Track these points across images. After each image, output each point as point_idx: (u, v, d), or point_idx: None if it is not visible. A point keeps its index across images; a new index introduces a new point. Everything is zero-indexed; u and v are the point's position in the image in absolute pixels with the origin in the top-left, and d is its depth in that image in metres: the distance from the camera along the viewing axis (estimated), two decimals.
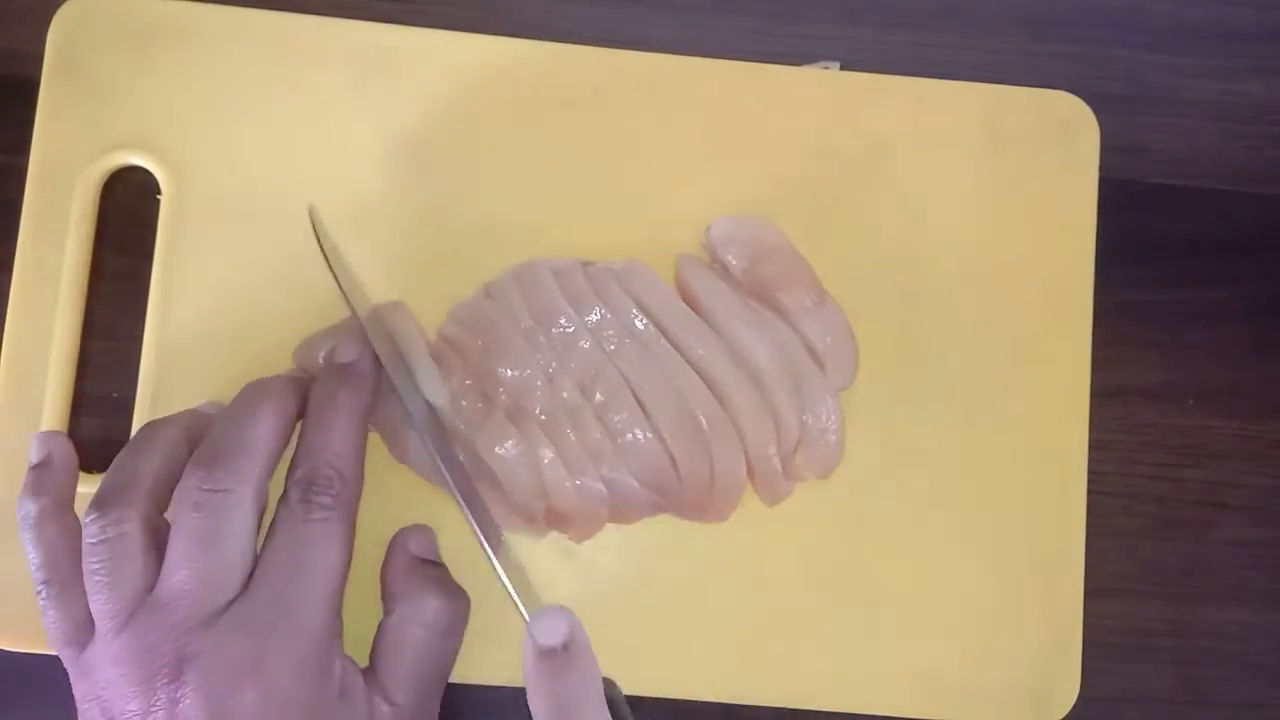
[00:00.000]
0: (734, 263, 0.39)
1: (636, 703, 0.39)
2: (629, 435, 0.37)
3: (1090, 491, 0.40)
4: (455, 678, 0.38)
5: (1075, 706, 0.39)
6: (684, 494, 0.38)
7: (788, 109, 0.41)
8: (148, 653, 0.30)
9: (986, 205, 0.41)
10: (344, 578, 0.33)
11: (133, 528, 0.32)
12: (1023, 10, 0.44)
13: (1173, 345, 0.42)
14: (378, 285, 0.40)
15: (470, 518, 0.35)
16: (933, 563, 0.40)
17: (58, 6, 0.40)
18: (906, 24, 0.43)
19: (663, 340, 0.38)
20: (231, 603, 0.31)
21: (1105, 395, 0.41)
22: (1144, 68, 0.44)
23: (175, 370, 0.39)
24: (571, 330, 0.38)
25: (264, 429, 0.33)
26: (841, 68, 0.42)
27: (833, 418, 0.38)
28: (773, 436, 0.38)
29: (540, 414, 0.38)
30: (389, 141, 0.40)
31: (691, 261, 0.40)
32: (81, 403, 0.39)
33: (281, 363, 0.39)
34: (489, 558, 0.35)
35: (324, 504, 0.33)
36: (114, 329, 0.40)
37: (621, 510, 0.38)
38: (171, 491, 0.33)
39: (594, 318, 0.38)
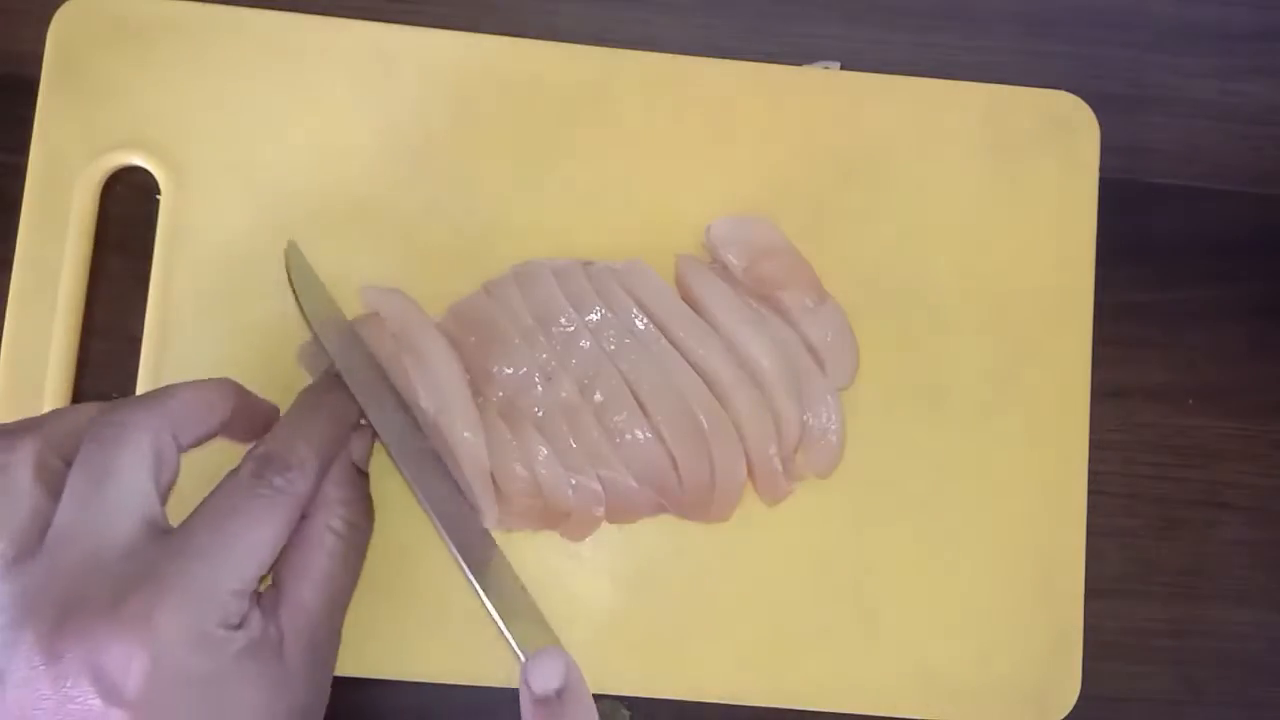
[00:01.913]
0: (734, 262, 0.39)
1: (635, 703, 0.39)
2: (629, 435, 0.37)
3: (1090, 491, 0.40)
4: (446, 678, 0.38)
5: (1075, 706, 0.39)
6: (684, 494, 0.38)
7: (788, 109, 0.41)
8: (29, 599, 0.28)
9: (987, 205, 0.41)
10: (264, 565, 0.31)
11: (19, 459, 0.29)
12: (1023, 10, 0.44)
13: (1173, 345, 0.42)
14: (379, 283, 0.39)
15: (454, 548, 0.35)
16: (933, 562, 0.40)
17: (58, 6, 0.40)
18: (907, 24, 0.43)
19: (663, 340, 0.38)
20: (134, 551, 0.29)
21: (1105, 395, 0.41)
22: (1144, 68, 0.44)
23: (175, 369, 0.39)
24: (571, 330, 0.38)
25: (182, 385, 0.32)
26: (842, 68, 0.42)
27: (833, 417, 0.38)
28: (773, 436, 0.38)
29: (538, 413, 0.38)
30: (389, 141, 0.40)
31: (691, 261, 0.40)
32: (82, 402, 0.39)
33: (283, 363, 0.39)
34: (476, 591, 0.35)
35: (273, 483, 0.31)
36: (114, 329, 0.40)
37: (619, 510, 0.38)
38: (74, 439, 0.30)
39: (594, 317, 0.38)
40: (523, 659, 0.33)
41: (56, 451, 0.30)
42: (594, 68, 0.41)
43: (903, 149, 0.41)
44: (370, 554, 0.38)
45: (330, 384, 0.36)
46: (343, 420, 0.35)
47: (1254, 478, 0.42)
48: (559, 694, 0.32)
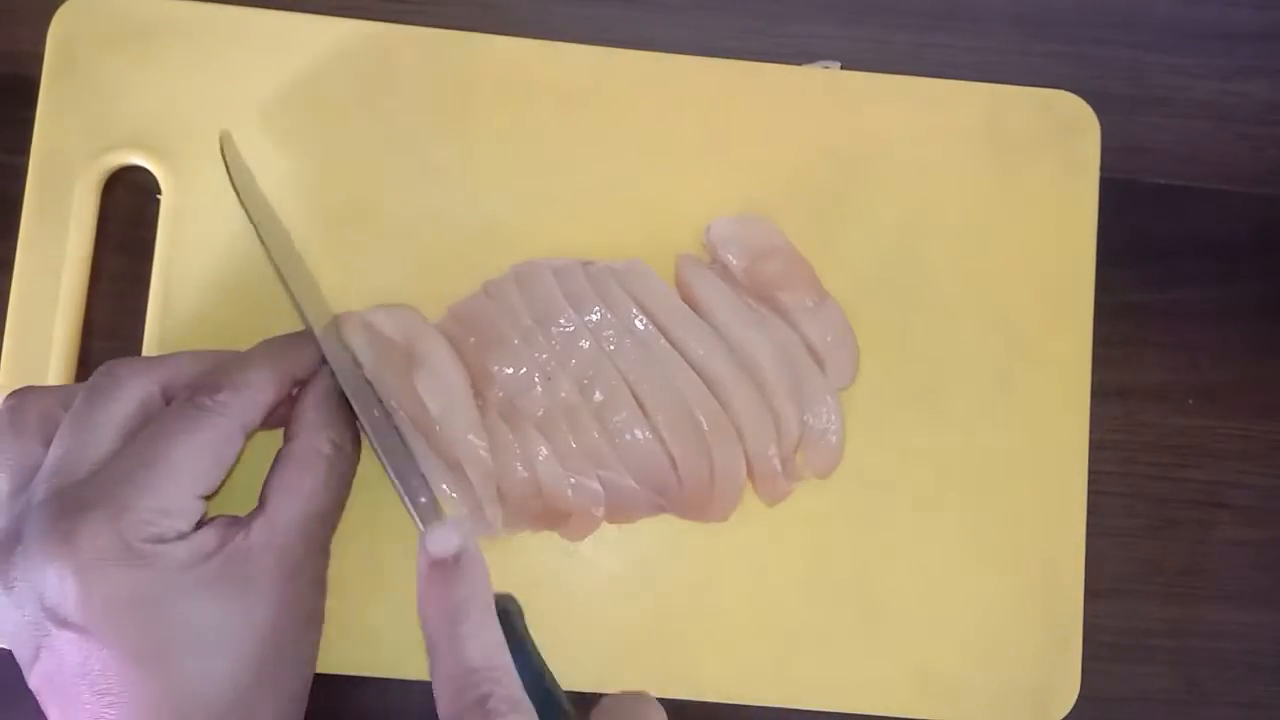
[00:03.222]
0: (734, 262, 0.39)
1: None
2: (628, 435, 0.37)
3: (1090, 491, 0.40)
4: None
5: (1075, 706, 0.39)
6: (684, 494, 0.38)
7: (788, 109, 0.41)
8: (6, 533, 0.30)
9: (987, 205, 0.41)
10: (199, 481, 0.31)
11: (27, 403, 0.32)
12: (1023, 10, 0.44)
13: (1173, 345, 0.42)
14: (378, 284, 0.40)
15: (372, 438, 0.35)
16: (932, 562, 0.40)
17: (58, 6, 0.40)
18: (907, 24, 0.43)
19: (662, 340, 0.38)
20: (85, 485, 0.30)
21: (1105, 395, 0.41)
22: (1144, 68, 0.44)
23: None
24: (571, 330, 0.38)
25: (183, 352, 0.34)
26: (842, 68, 0.42)
27: (833, 418, 0.38)
28: (773, 436, 0.38)
29: (538, 413, 0.38)
30: (389, 141, 0.40)
31: (691, 261, 0.40)
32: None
33: None
34: (387, 471, 0.35)
35: (202, 403, 0.32)
36: (114, 329, 0.40)
37: (619, 510, 0.38)
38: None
39: (594, 317, 0.38)
40: (422, 530, 0.33)
41: (62, 404, 0.32)
42: (593, 68, 0.41)
43: (903, 149, 0.41)
44: (369, 554, 0.38)
45: (286, 337, 0.36)
46: (288, 366, 0.35)
47: (1254, 478, 0.42)
48: (456, 559, 0.32)
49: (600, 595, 0.39)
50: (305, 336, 0.36)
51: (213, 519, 0.33)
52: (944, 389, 0.40)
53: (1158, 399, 0.42)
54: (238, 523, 0.32)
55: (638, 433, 0.37)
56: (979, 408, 0.40)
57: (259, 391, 0.33)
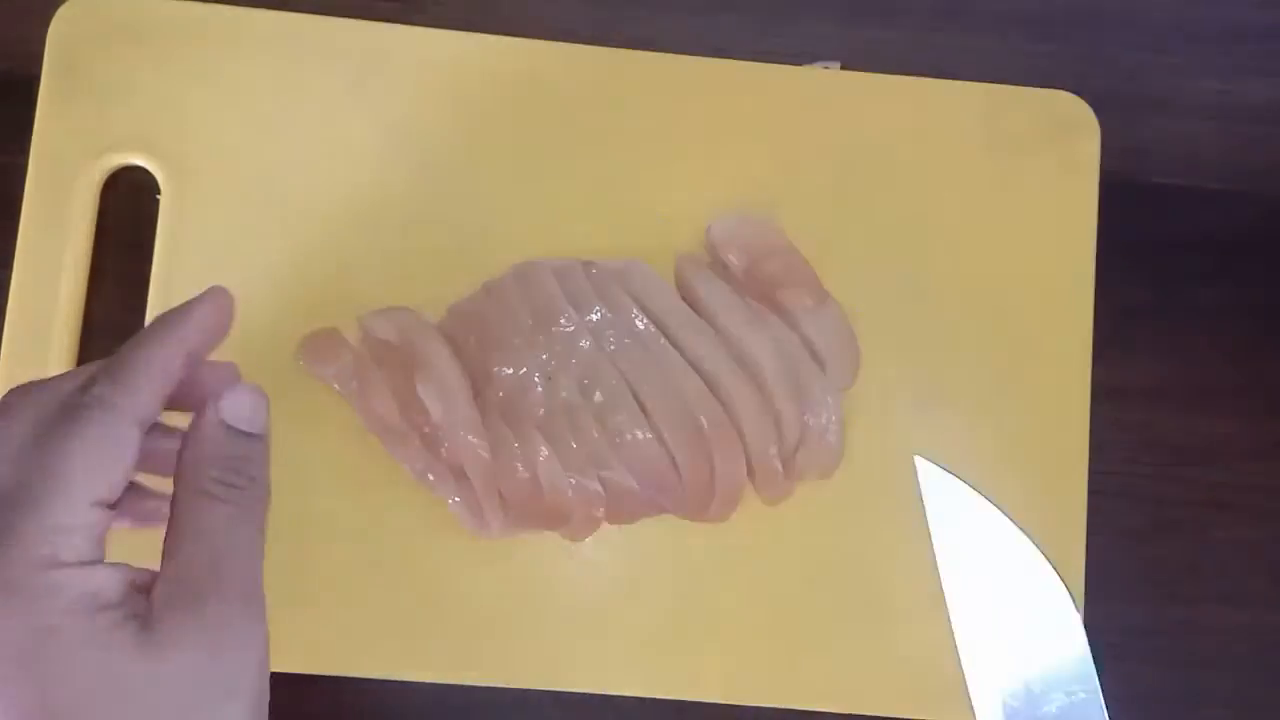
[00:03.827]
0: (734, 262, 0.39)
1: (638, 704, 0.39)
2: (629, 435, 0.37)
3: (1090, 491, 0.40)
4: (439, 678, 0.38)
5: None
6: (685, 494, 0.38)
7: (788, 109, 0.41)
8: None
9: (987, 205, 0.41)
10: (96, 485, 0.27)
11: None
12: (1023, 10, 0.44)
13: (1173, 345, 0.42)
14: (378, 284, 0.40)
15: None
16: (933, 563, 0.40)
17: (58, 6, 0.40)
18: (907, 24, 0.43)
19: (663, 340, 0.38)
20: None
21: (1105, 395, 0.41)
22: (1144, 68, 0.44)
23: None
24: (571, 330, 0.38)
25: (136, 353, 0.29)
26: (841, 68, 0.42)
27: (833, 418, 0.38)
28: (773, 437, 0.38)
29: (539, 413, 0.38)
30: (389, 141, 0.40)
31: (692, 261, 0.40)
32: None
33: (282, 361, 0.39)
34: None
35: (82, 400, 0.27)
36: (114, 329, 0.40)
37: (619, 510, 0.38)
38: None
39: (594, 318, 0.38)
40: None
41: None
42: (593, 67, 0.41)
43: (903, 149, 0.41)
44: (367, 558, 0.38)
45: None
46: (180, 321, 0.30)
47: (1254, 478, 0.42)
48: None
49: (601, 595, 0.39)
50: (194, 306, 0.31)
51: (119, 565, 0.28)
52: (944, 388, 0.40)
53: (1158, 399, 0.42)
54: (145, 572, 0.28)
55: (638, 433, 0.37)
56: (979, 407, 0.40)
57: (144, 377, 0.29)
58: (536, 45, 0.41)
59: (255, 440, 0.31)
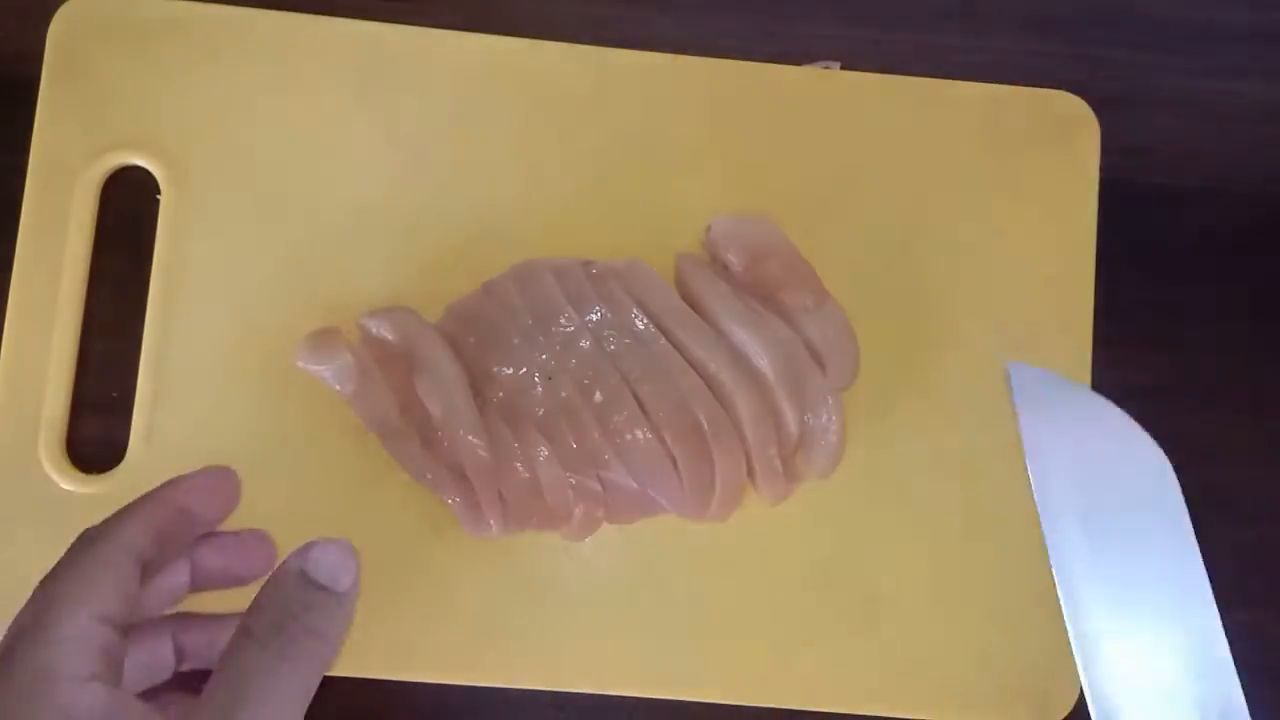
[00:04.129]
0: (734, 262, 0.39)
1: (638, 704, 0.39)
2: (629, 436, 0.37)
3: None
4: (439, 678, 0.38)
5: (1075, 706, 0.39)
6: (685, 494, 0.38)
7: (788, 109, 0.41)
8: None
9: (986, 205, 0.41)
10: (96, 604, 0.29)
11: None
12: (1023, 10, 0.44)
13: (1173, 345, 0.42)
14: (378, 284, 0.40)
15: None
16: (933, 563, 0.40)
17: (58, 5, 0.40)
18: (907, 24, 0.43)
19: (663, 340, 0.38)
20: None
21: (1105, 395, 0.41)
22: (1144, 68, 0.44)
23: (177, 369, 0.39)
24: (571, 330, 0.38)
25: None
26: (842, 68, 0.42)
27: (834, 418, 0.38)
28: (773, 437, 0.38)
29: (538, 413, 0.38)
30: (389, 141, 0.40)
31: (692, 261, 0.40)
32: (82, 402, 0.39)
33: (282, 361, 0.39)
34: None
35: (84, 536, 0.31)
36: (114, 329, 0.40)
37: (620, 510, 0.38)
38: None
39: (594, 317, 0.38)
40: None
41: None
42: (593, 67, 0.41)
43: (902, 149, 0.41)
44: (366, 559, 0.38)
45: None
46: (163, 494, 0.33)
47: (1253, 478, 0.42)
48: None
49: (601, 596, 0.39)
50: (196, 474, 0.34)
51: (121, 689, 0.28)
52: (945, 389, 0.40)
53: (1158, 399, 0.42)
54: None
55: (638, 433, 0.37)
56: (979, 408, 0.40)
57: (135, 516, 0.31)
58: (537, 45, 0.41)
59: (328, 594, 0.30)
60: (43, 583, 0.29)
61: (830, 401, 0.38)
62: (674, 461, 0.38)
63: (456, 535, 0.38)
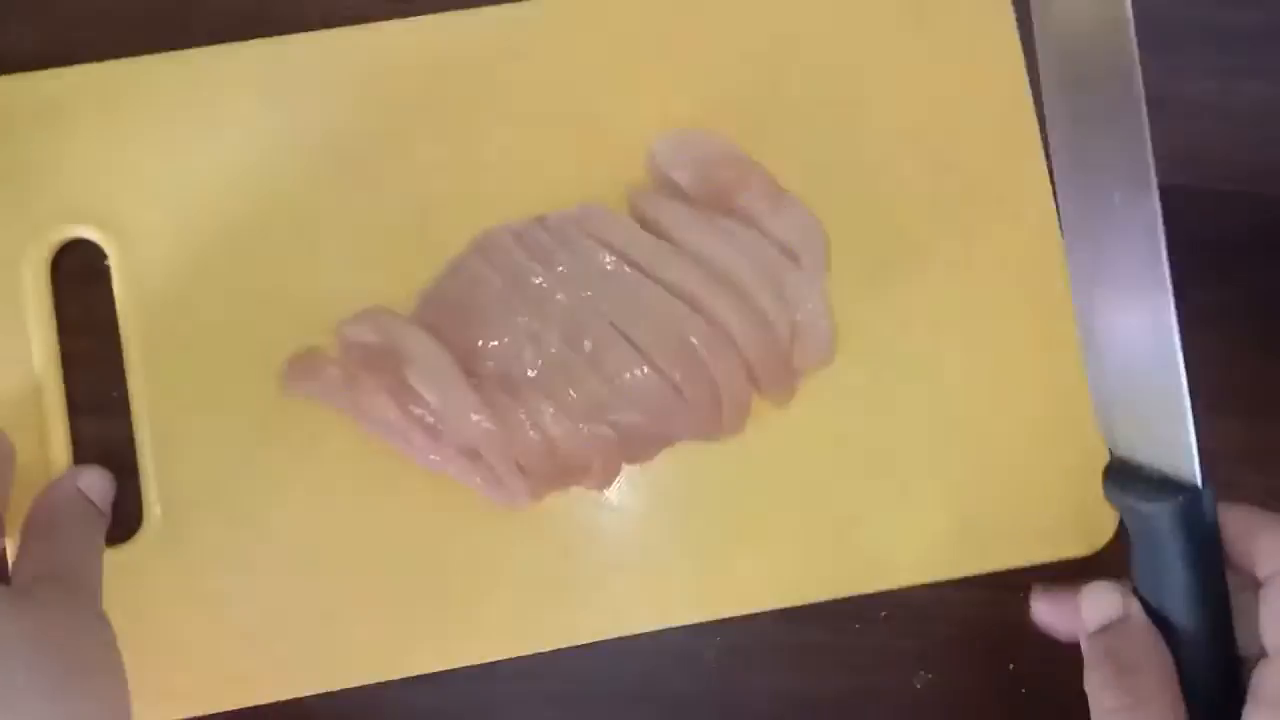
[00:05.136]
0: (684, 179, 0.39)
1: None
2: (626, 374, 0.37)
3: None
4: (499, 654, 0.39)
5: (1075, 707, 0.39)
6: (693, 417, 0.38)
7: (705, 20, 0.42)
8: None
9: (914, 66, 0.42)
10: None
11: None
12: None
13: None
14: (344, 290, 0.39)
15: None
16: (950, 420, 0.40)
17: None
18: None
19: (636, 273, 0.38)
20: None
21: None
22: (1144, 68, 0.44)
23: (170, 427, 0.39)
24: (545, 286, 0.38)
25: None
26: None
27: (819, 306, 0.38)
28: (765, 339, 0.38)
29: (531, 375, 0.37)
30: (317, 149, 0.40)
31: (643, 193, 0.39)
32: (80, 403, 0.39)
33: (267, 390, 0.39)
34: None
35: None
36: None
37: (636, 449, 0.38)
38: None
39: (563, 269, 0.38)
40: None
41: None
42: (501, 27, 0.41)
43: (827, 36, 0.42)
44: (402, 560, 0.39)
45: None
46: None
47: (1254, 478, 0.42)
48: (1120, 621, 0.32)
49: (638, 538, 0.39)
50: None
51: None
52: (917, 257, 0.41)
53: None
54: None
55: (635, 370, 0.37)
56: (954, 263, 0.41)
57: None
58: (434, 20, 0.41)
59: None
60: None
61: (812, 292, 0.38)
62: (676, 388, 0.37)
63: (486, 517, 0.39)
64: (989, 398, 0.40)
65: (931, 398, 0.40)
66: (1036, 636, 0.40)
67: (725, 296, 0.38)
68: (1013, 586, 0.40)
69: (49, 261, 0.40)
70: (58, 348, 0.39)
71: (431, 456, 0.37)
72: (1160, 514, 0.32)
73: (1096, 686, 0.33)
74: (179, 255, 0.39)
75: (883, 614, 0.40)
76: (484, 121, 0.41)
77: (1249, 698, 0.30)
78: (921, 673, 0.40)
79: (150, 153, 0.40)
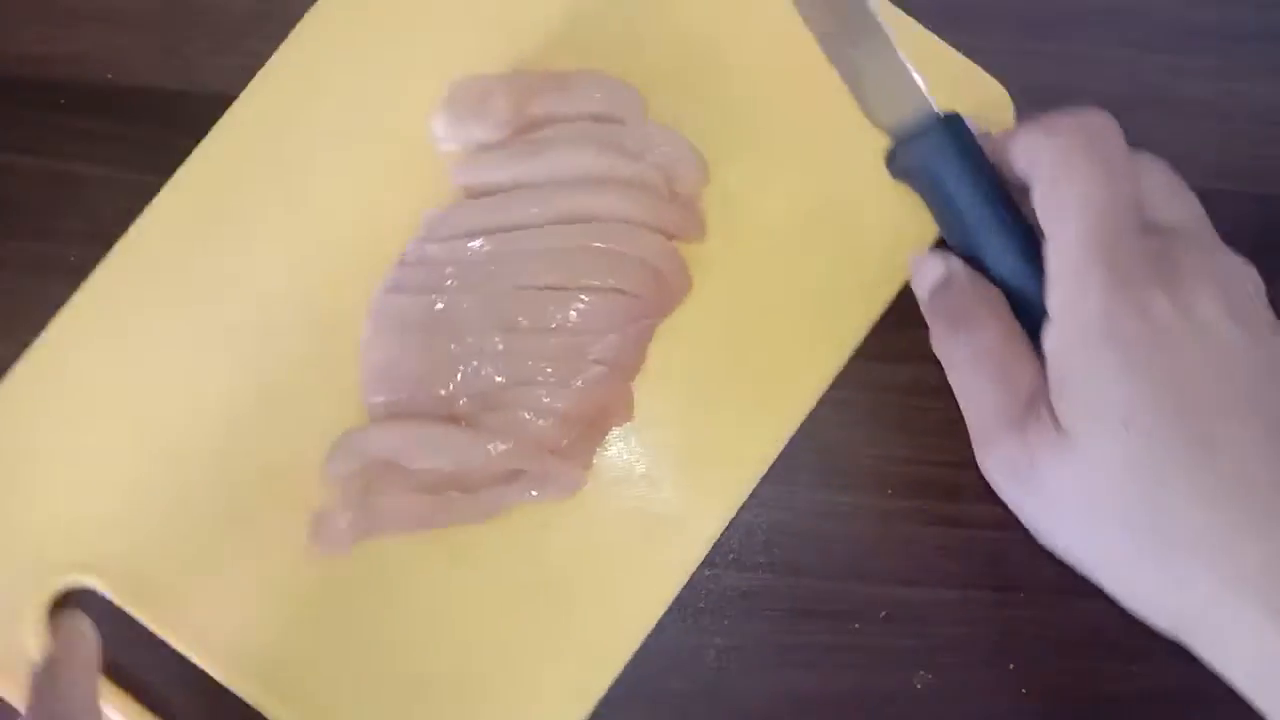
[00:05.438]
0: (482, 131, 0.38)
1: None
2: (572, 314, 0.37)
3: None
4: None
5: (1075, 707, 0.39)
6: (651, 302, 0.38)
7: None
8: None
9: None
10: None
11: None
12: (1023, 11, 0.44)
13: None
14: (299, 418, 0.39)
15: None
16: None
17: None
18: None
19: (510, 234, 0.38)
20: None
21: None
22: (1144, 68, 0.44)
23: None
24: (450, 304, 0.37)
25: None
26: None
27: (668, 137, 0.39)
28: (647, 196, 0.38)
29: (501, 380, 0.37)
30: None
31: (459, 165, 0.39)
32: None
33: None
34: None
35: None
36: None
37: (629, 362, 0.38)
38: None
39: (451, 281, 0.38)
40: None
41: None
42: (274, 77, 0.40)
43: None
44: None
45: None
46: None
47: None
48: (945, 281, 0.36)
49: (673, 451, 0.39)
50: None
51: None
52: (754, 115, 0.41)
53: None
54: None
55: (576, 306, 0.37)
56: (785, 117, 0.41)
57: None
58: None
59: None
60: None
61: (652, 130, 0.39)
62: (618, 290, 0.37)
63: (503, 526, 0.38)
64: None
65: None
66: (1037, 636, 0.40)
67: (589, 188, 0.37)
68: (1013, 587, 0.40)
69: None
70: None
71: (481, 508, 0.37)
72: (923, 153, 0.37)
73: (941, 343, 0.36)
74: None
75: (883, 614, 0.40)
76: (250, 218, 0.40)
77: (1045, 283, 0.34)
78: (921, 673, 0.40)
79: None
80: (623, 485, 0.39)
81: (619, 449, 0.39)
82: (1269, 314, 0.34)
